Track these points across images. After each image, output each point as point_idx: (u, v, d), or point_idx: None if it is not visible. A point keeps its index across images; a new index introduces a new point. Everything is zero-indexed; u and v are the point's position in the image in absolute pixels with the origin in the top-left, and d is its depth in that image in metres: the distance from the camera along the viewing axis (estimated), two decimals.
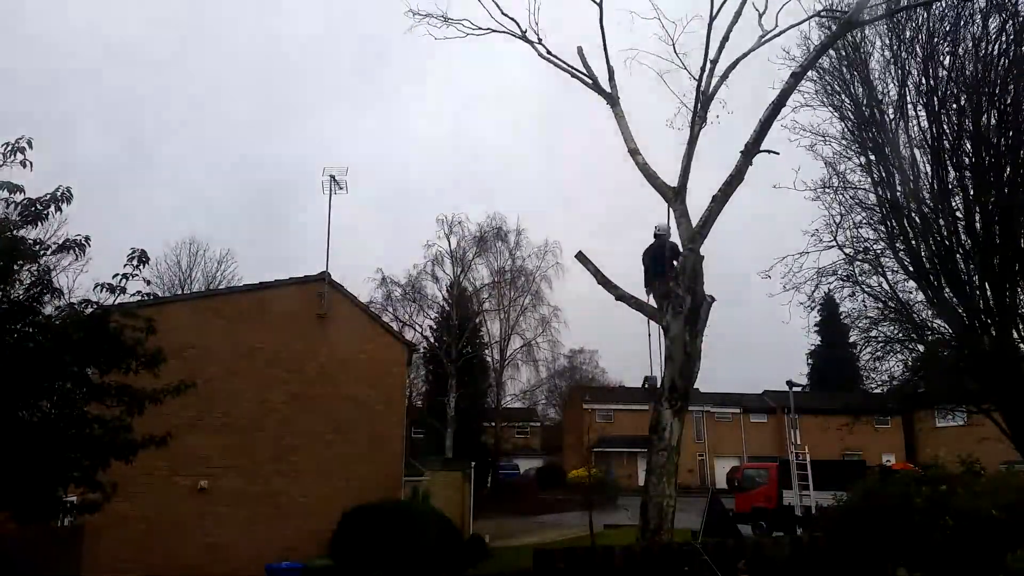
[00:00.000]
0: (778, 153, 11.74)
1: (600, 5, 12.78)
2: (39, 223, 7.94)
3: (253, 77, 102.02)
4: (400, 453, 19.16)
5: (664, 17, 12.71)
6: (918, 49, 14.74)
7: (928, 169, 14.93)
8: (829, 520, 12.83)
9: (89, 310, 8.03)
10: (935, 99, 14.63)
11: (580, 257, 12.58)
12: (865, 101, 15.51)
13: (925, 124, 14.87)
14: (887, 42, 15.19)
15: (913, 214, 15.05)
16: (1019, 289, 14.27)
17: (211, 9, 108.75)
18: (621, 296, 12.20)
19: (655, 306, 12.01)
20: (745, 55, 11.88)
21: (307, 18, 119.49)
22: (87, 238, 8.05)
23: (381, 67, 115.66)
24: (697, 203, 11.98)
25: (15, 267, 7.65)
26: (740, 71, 12.10)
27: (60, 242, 8.07)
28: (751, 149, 11.42)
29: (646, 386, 10.87)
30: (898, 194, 15.31)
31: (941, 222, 14.75)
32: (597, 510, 21.75)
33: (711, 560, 10.42)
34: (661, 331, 11.69)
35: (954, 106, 14.55)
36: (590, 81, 13.11)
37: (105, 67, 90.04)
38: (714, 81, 12.06)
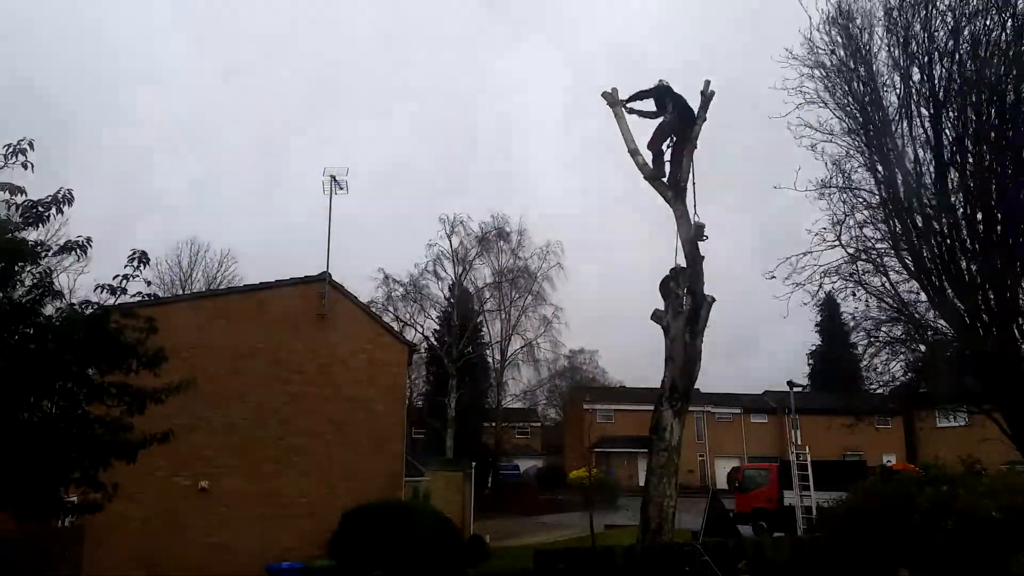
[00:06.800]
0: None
1: None
2: (40, 225, 7.95)
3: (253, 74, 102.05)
4: (401, 453, 19.16)
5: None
6: (920, 48, 14.70)
7: (930, 168, 14.90)
8: (830, 521, 12.82)
9: (90, 311, 8.03)
10: (937, 98, 14.60)
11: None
12: (868, 99, 15.47)
13: (928, 123, 14.84)
14: (889, 41, 15.15)
15: (915, 213, 15.02)
16: (1020, 289, 14.24)
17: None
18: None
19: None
20: None
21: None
22: (88, 239, 8.06)
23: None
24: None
25: (16, 268, 7.65)
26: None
27: (61, 243, 8.08)
28: None
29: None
30: (901, 193, 15.27)
31: (943, 221, 14.71)
32: (598, 510, 21.78)
33: (711, 560, 10.42)
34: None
35: (955, 105, 14.52)
36: None
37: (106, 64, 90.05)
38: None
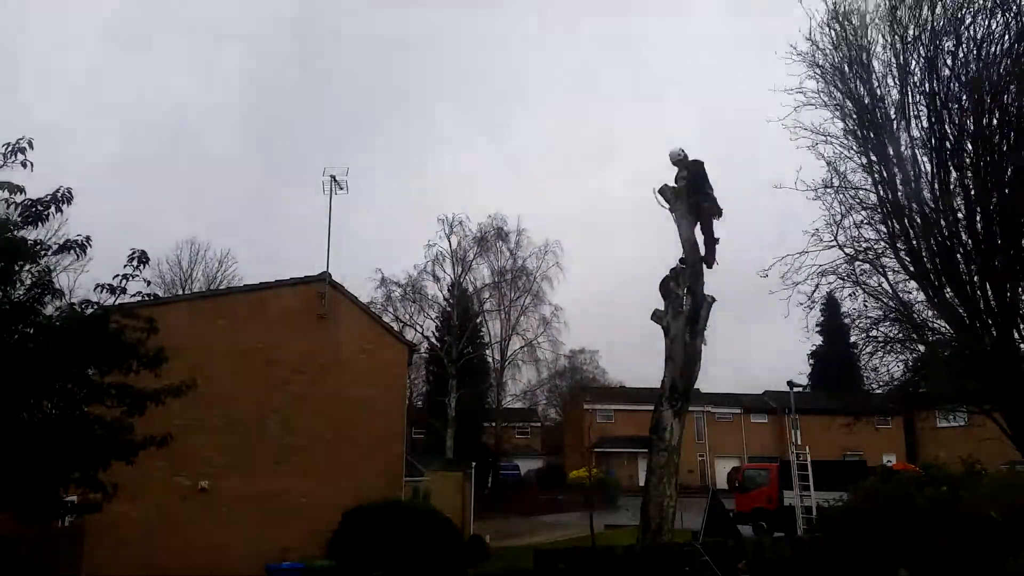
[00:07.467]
0: None
1: None
2: (40, 224, 7.95)
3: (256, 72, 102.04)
4: (401, 453, 19.15)
5: None
6: (920, 49, 14.72)
7: (929, 169, 14.90)
8: (830, 521, 12.82)
9: (89, 310, 8.03)
10: (937, 99, 14.60)
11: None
12: (867, 101, 15.47)
13: (926, 124, 14.84)
14: (890, 41, 15.15)
15: (914, 214, 15.03)
16: (1020, 289, 14.24)
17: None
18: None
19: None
20: None
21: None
22: (87, 238, 8.06)
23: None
24: None
25: (16, 268, 7.66)
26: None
27: (61, 243, 8.08)
28: None
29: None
30: (899, 194, 15.28)
31: (942, 222, 14.71)
32: (598, 510, 21.75)
33: (711, 560, 10.42)
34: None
35: (955, 106, 14.52)
36: None
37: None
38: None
